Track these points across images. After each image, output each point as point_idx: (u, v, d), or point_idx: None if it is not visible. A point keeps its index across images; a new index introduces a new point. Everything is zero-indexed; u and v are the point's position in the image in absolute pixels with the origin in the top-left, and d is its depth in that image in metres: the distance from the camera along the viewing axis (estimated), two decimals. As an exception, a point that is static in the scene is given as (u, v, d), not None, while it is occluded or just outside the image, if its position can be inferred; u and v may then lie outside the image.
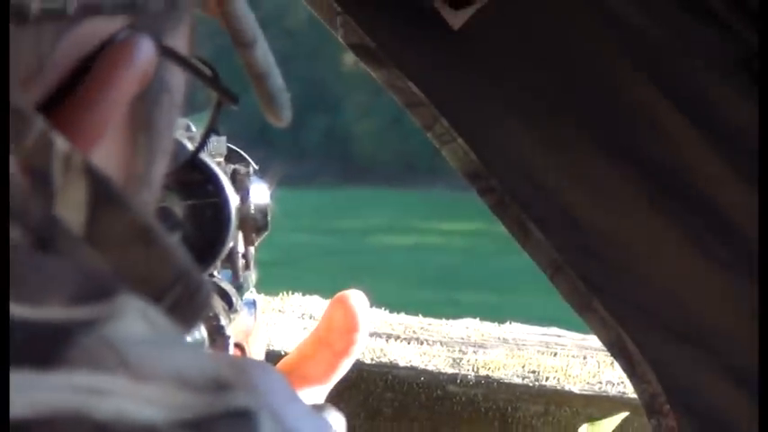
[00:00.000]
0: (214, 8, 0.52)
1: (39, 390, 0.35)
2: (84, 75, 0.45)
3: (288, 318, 2.45)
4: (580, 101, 1.20)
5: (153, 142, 0.49)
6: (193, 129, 0.77)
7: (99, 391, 0.35)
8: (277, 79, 0.54)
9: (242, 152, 0.92)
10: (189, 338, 0.78)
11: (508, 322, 2.50)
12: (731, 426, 1.21)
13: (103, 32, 0.45)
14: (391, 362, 2.31)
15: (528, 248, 1.24)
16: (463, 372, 2.29)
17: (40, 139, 0.41)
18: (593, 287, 1.23)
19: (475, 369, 2.30)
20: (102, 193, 0.42)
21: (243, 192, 0.88)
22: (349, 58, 1.23)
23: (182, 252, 0.44)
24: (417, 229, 14.88)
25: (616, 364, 1.29)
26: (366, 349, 2.28)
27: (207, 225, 0.84)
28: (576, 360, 2.32)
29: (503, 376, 2.28)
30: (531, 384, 2.26)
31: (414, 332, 2.42)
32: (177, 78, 0.50)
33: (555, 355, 2.35)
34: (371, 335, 2.33)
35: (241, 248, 0.91)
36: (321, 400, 0.73)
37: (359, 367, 2.23)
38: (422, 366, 2.30)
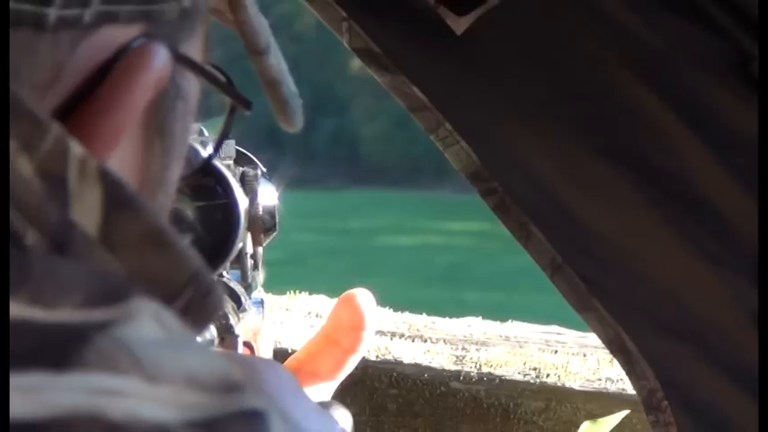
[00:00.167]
0: (228, 16, 0.52)
1: (54, 391, 0.35)
2: (101, 81, 0.45)
3: (295, 316, 2.45)
4: (580, 105, 1.20)
5: (168, 147, 0.49)
6: (206, 133, 0.77)
7: (113, 392, 0.36)
8: (290, 85, 0.54)
9: (250, 155, 0.92)
10: (200, 338, 0.79)
11: (510, 321, 2.50)
12: (727, 421, 1.22)
13: (119, 40, 0.46)
14: (396, 359, 2.31)
15: (529, 248, 1.24)
16: (466, 369, 2.29)
17: (56, 145, 0.41)
18: (592, 286, 1.23)
19: (477, 366, 2.30)
20: (117, 198, 0.42)
21: (251, 194, 0.88)
22: (356, 62, 1.23)
23: (194, 255, 0.44)
24: (423, 230, 14.85)
25: (615, 362, 1.29)
26: (371, 347, 2.28)
27: (217, 227, 0.84)
28: (577, 357, 2.32)
29: (504, 373, 2.28)
30: (532, 381, 2.26)
31: (418, 330, 2.42)
32: (192, 85, 0.50)
33: (555, 352, 2.35)
34: (377, 333, 2.33)
35: (249, 249, 0.91)
36: (329, 396, 0.73)
37: (364, 364, 2.22)
38: (425, 363, 2.30)
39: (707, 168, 1.17)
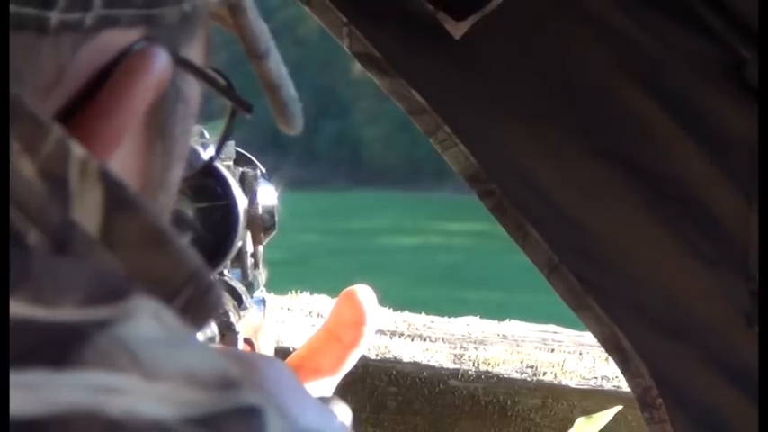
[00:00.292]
0: (228, 20, 0.52)
1: (53, 388, 0.35)
2: (102, 85, 0.45)
3: (296, 315, 2.45)
4: (576, 108, 1.20)
5: (169, 149, 0.49)
6: (207, 135, 0.77)
7: (112, 390, 0.36)
8: (289, 89, 0.54)
9: (250, 156, 0.92)
10: (201, 335, 0.79)
11: (508, 320, 2.50)
12: (720, 417, 1.22)
13: (121, 43, 0.45)
14: (395, 357, 2.31)
15: (526, 249, 1.24)
16: (464, 367, 2.29)
17: (58, 147, 0.41)
18: (588, 286, 1.23)
19: (475, 364, 2.30)
20: (117, 198, 0.42)
21: (251, 194, 0.88)
22: (358, 66, 1.23)
23: (193, 254, 0.44)
24: (423, 230, 14.85)
25: (611, 360, 1.29)
26: (371, 346, 2.28)
27: (216, 226, 0.84)
28: (573, 356, 2.32)
29: (502, 371, 2.28)
30: (529, 379, 2.26)
31: (417, 329, 2.42)
32: (192, 88, 0.50)
33: (552, 351, 2.34)
34: (377, 332, 2.33)
35: (249, 248, 0.91)
36: (330, 390, 0.73)
37: (364, 363, 2.23)
38: (425, 362, 2.30)
39: (700, 170, 1.17)
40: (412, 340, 2.37)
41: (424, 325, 2.45)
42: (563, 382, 2.25)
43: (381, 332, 2.37)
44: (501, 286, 9.50)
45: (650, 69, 1.17)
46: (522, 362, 2.30)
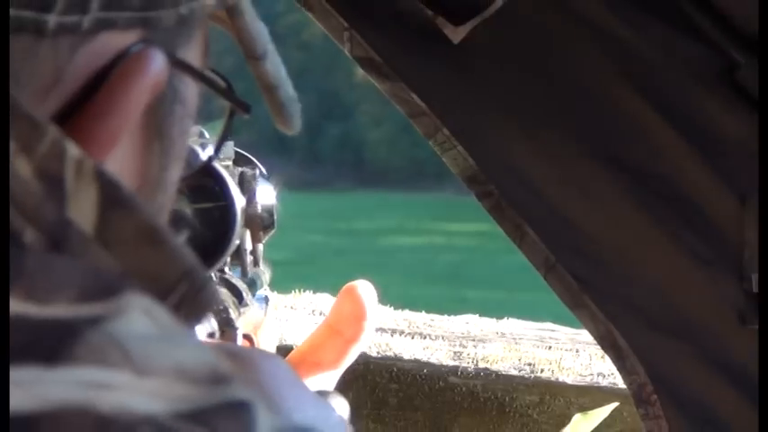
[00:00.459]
0: (226, 22, 0.52)
1: (45, 384, 0.35)
2: (99, 86, 0.45)
3: (299, 314, 2.45)
4: (572, 111, 1.20)
5: (167, 149, 0.49)
6: (206, 135, 0.77)
7: (103, 386, 0.35)
8: (288, 90, 0.54)
9: (249, 155, 0.92)
10: (201, 329, 0.79)
11: (506, 318, 2.50)
12: (714, 412, 1.21)
13: (118, 46, 0.45)
14: (396, 355, 2.31)
15: (523, 249, 1.24)
16: (463, 364, 2.29)
17: (53, 147, 0.41)
18: (584, 285, 1.23)
19: (474, 362, 2.30)
20: (113, 197, 0.42)
21: (249, 193, 0.88)
22: (361, 70, 1.23)
23: (187, 251, 0.43)
24: (426, 230, 14.87)
25: (607, 357, 1.29)
26: (372, 343, 2.29)
27: (214, 225, 0.84)
28: (570, 353, 2.32)
29: (500, 368, 2.28)
30: (526, 376, 2.26)
31: (417, 327, 2.42)
32: (190, 89, 0.50)
33: (549, 348, 2.35)
34: (378, 330, 2.33)
35: (249, 246, 0.91)
36: (332, 384, 0.73)
37: (366, 360, 2.23)
38: (425, 359, 2.30)
39: (693, 170, 1.17)
40: (412, 338, 2.38)
41: (424, 323, 2.45)
42: (560, 379, 2.25)
43: (382, 330, 2.37)
44: (501, 285, 9.51)
45: (643, 71, 1.17)
46: (519, 359, 2.30)
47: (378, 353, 2.30)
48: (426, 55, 1.20)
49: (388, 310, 2.51)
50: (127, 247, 0.42)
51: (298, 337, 2.24)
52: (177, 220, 0.80)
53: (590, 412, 2.10)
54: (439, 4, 1.16)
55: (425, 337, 2.38)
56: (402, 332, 2.40)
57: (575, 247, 1.23)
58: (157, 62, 0.46)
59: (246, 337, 0.86)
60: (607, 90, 1.18)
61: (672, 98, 1.17)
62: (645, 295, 1.22)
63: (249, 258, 0.91)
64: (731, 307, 1.19)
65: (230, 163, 0.88)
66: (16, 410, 0.34)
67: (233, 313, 0.84)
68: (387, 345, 2.33)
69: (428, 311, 2.55)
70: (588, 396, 2.22)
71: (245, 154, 0.92)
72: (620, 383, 1.55)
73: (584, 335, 2.18)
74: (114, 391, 0.35)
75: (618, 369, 1.25)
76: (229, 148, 0.89)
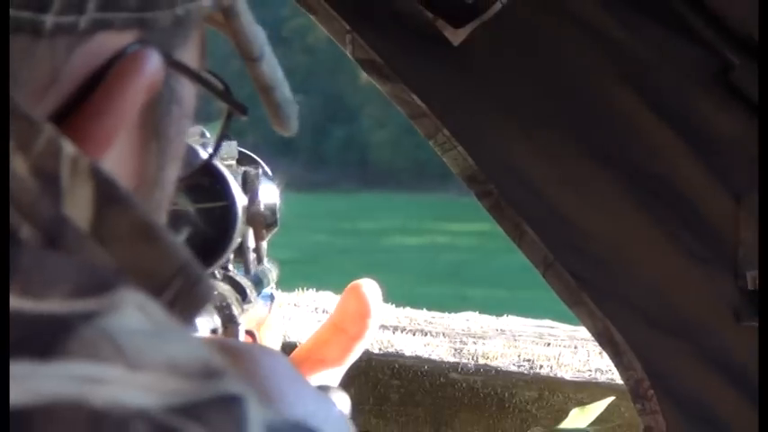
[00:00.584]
0: (223, 24, 0.51)
1: (39, 379, 0.35)
2: (95, 86, 0.44)
3: (303, 312, 2.45)
4: (571, 112, 1.20)
5: (164, 148, 0.48)
6: (207, 135, 0.77)
7: (96, 380, 0.35)
8: (284, 91, 0.53)
9: (253, 155, 0.92)
10: (204, 325, 0.78)
11: (506, 315, 2.50)
12: (710, 408, 1.21)
13: (114, 46, 0.45)
14: (398, 352, 2.31)
15: (523, 247, 1.24)
16: (464, 361, 2.29)
17: (49, 145, 0.41)
18: (582, 282, 1.23)
19: (474, 358, 2.30)
20: (108, 194, 0.42)
21: (252, 191, 0.88)
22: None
23: (182, 248, 0.43)
24: (429, 230, 14.89)
25: (604, 353, 1.29)
26: (375, 340, 2.29)
27: (215, 223, 0.84)
28: (568, 350, 2.32)
29: (500, 365, 2.28)
30: (526, 372, 2.26)
31: (418, 324, 2.42)
32: (187, 90, 0.49)
33: (548, 345, 2.35)
34: (380, 327, 2.33)
35: (252, 244, 0.91)
36: (336, 381, 0.72)
37: (368, 357, 2.23)
38: (426, 356, 2.30)
39: (689, 169, 1.17)
40: (414, 335, 2.38)
41: (425, 320, 2.45)
42: (558, 375, 2.25)
43: (384, 327, 2.37)
44: (501, 284, 9.51)
45: (639, 72, 1.17)
46: (519, 356, 2.30)
47: (380, 349, 2.30)
48: (426, 56, 1.20)
49: (391, 307, 2.51)
50: (122, 244, 0.42)
51: (301, 335, 2.24)
52: (178, 219, 0.80)
53: (587, 407, 2.10)
54: (439, 7, 1.16)
55: (427, 334, 2.38)
56: (404, 329, 2.40)
57: (573, 245, 1.23)
58: (154, 62, 0.46)
59: (249, 333, 0.86)
60: (604, 90, 1.18)
61: (667, 98, 1.17)
62: (642, 293, 1.22)
63: (252, 256, 0.91)
64: (727, 305, 1.19)
65: (233, 162, 0.88)
66: (10, 404, 0.34)
67: (236, 310, 0.84)
68: (389, 341, 2.33)
69: (429, 309, 2.55)
70: (586, 391, 2.22)
71: (249, 153, 0.91)
72: (618, 379, 1.55)
73: (583, 332, 2.18)
74: (107, 385, 0.35)
75: (615, 365, 1.25)
76: (233, 147, 0.89)
